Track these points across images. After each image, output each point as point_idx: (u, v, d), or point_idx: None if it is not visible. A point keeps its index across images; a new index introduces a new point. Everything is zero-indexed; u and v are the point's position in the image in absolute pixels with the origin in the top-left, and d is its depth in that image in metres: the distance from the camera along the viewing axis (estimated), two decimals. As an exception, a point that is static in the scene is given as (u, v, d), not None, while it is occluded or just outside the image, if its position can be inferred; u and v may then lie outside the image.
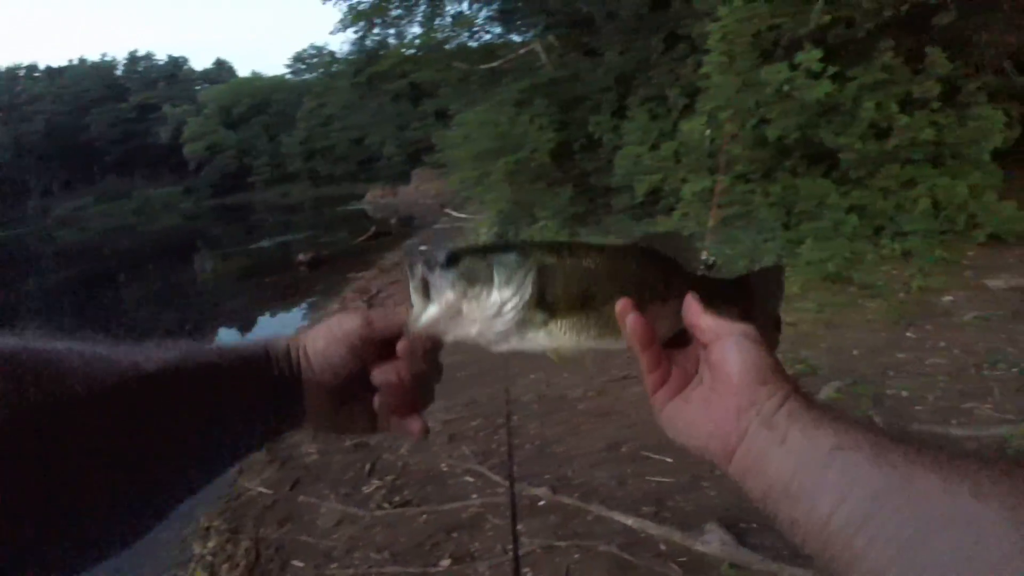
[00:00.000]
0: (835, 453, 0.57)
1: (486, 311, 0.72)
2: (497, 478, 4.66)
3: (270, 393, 0.73)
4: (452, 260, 0.73)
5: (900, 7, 7.34)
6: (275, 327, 12.93)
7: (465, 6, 17.15)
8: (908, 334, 6.29)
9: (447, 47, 17.50)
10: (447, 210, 25.47)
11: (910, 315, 6.57)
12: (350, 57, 21.36)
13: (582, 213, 12.71)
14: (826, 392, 5.37)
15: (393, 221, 28.49)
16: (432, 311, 0.72)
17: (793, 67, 7.56)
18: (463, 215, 21.89)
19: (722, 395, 0.66)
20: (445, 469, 4.96)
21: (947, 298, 6.75)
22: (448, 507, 4.45)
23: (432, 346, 0.78)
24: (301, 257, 19.32)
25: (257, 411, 0.72)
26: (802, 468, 0.58)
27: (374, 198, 44.37)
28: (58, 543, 0.53)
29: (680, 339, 0.76)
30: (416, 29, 18.70)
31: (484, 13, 17.23)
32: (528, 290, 0.72)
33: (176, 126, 73.10)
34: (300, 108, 62.97)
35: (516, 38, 17.72)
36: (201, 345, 0.70)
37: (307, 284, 16.99)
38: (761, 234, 8.22)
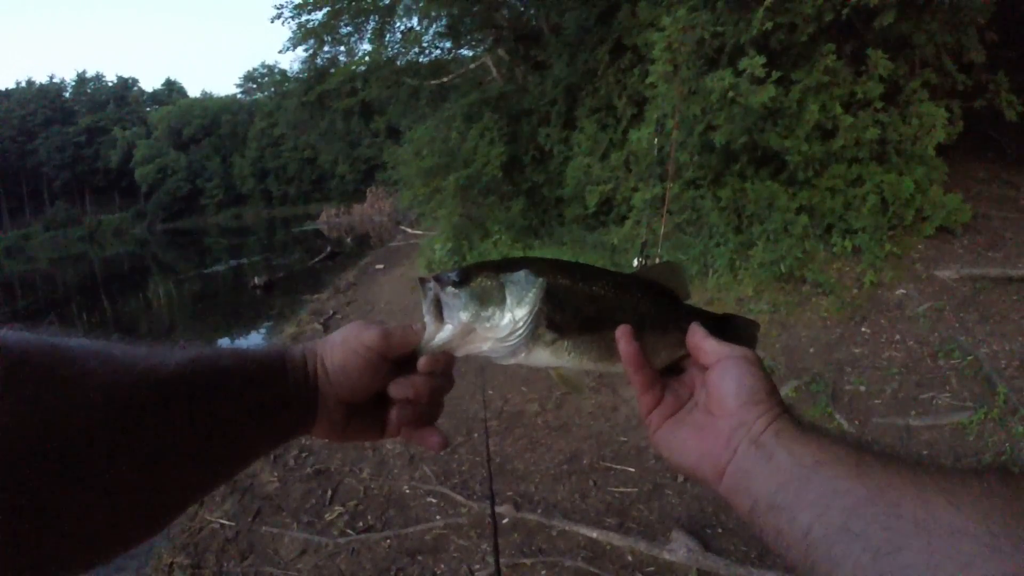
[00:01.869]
0: (816, 467, 0.60)
1: (498, 331, 0.74)
2: (460, 498, 4.62)
3: (284, 401, 0.73)
4: (464, 279, 0.74)
5: (841, 11, 7.47)
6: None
7: (415, 22, 17.08)
8: (863, 329, 6.38)
9: (397, 63, 17.45)
10: (402, 227, 25.46)
11: (863, 310, 6.67)
12: (301, 75, 21.22)
13: (535, 225, 12.71)
14: (783, 392, 5.41)
15: (349, 240, 28.37)
16: (446, 332, 0.74)
17: (737, 73, 7.65)
18: (418, 231, 21.86)
19: (716, 416, 0.70)
20: (407, 491, 4.90)
21: (899, 291, 6.86)
22: (411, 530, 4.41)
23: (447, 360, 0.79)
24: (255, 280, 19.12)
25: (269, 418, 0.72)
26: (786, 483, 0.61)
27: (329, 217, 44.27)
28: (61, 544, 0.53)
29: (675, 368, 0.80)
30: (366, 46, 18.64)
31: (433, 29, 17.18)
32: (538, 309, 0.74)
33: (126, 149, 72.12)
34: (251, 128, 62.50)
35: (467, 53, 17.69)
36: (217, 349, 0.70)
37: (262, 307, 16.79)
38: (712, 238, 8.29)
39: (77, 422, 0.53)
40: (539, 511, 4.32)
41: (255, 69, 65.07)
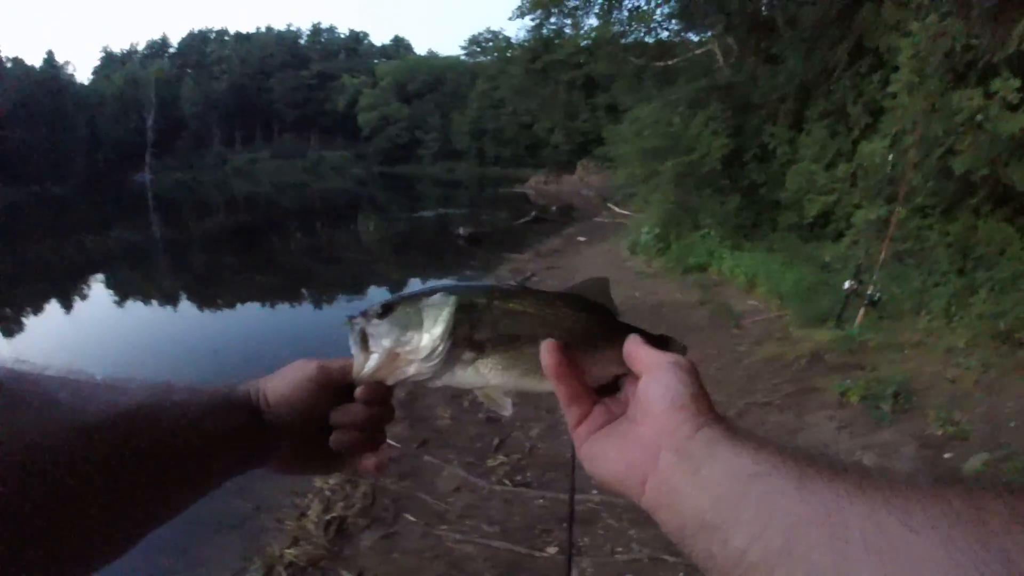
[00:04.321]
0: (753, 480, 0.54)
1: (419, 353, 0.77)
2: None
3: (236, 433, 0.76)
4: (386, 311, 0.79)
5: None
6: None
7: (643, 1, 16.93)
8: (1084, 412, 5.66)
9: (623, 41, 17.38)
10: (609, 204, 25.43)
11: (1090, 390, 5.91)
12: (525, 43, 21.66)
13: (747, 226, 12.35)
14: (972, 464, 4.91)
15: (554, 208, 28.69)
16: (372, 360, 0.78)
17: (987, 95, 7.01)
18: (624, 211, 21.81)
19: (640, 424, 0.65)
20: (570, 458, 5.00)
21: None
22: (566, 497, 4.49)
23: (384, 390, 0.82)
24: (461, 231, 19.87)
25: (224, 449, 0.75)
26: (717, 499, 0.55)
27: (537, 184, 45.08)
28: (40, 564, 0.55)
29: (610, 388, 0.77)
30: (593, 21, 18.69)
31: (663, 9, 16.94)
32: (454, 326, 0.76)
33: (352, 96, 77.49)
34: (472, 89, 64.60)
35: (693, 37, 17.31)
36: (169, 383, 0.73)
37: (464, 257, 17.42)
38: (932, 276, 7.67)
39: (52, 445, 0.56)
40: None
41: (480, 34, 66.94)
